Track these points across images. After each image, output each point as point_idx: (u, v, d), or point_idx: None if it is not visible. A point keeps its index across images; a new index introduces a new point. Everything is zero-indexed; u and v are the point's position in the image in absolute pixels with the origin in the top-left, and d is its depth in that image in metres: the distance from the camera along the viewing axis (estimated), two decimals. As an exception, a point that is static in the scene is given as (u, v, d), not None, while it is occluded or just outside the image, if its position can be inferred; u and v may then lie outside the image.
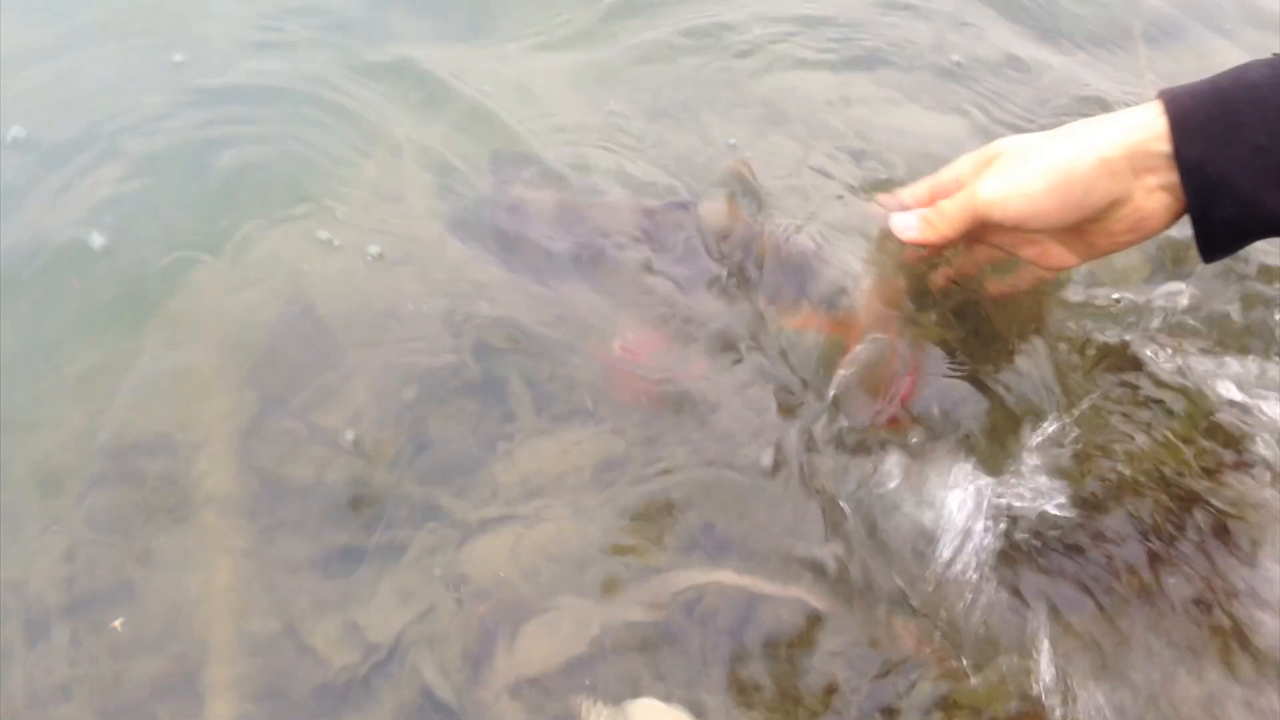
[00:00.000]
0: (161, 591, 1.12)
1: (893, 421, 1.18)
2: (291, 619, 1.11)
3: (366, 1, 1.83)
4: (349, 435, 1.22)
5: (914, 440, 1.16)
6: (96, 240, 1.38)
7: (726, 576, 1.11)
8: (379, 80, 1.66)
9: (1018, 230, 1.07)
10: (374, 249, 1.39)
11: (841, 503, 1.17)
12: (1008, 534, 1.13)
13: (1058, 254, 1.10)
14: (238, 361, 1.28)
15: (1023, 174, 1.02)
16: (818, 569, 1.14)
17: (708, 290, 1.25)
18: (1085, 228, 1.04)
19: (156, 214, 1.44)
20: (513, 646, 1.07)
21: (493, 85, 1.66)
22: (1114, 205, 1.00)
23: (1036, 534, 1.14)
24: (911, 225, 1.11)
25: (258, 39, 1.73)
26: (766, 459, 1.20)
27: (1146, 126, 0.97)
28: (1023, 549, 1.13)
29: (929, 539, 1.12)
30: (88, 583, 1.12)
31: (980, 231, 1.09)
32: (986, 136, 1.56)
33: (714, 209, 1.28)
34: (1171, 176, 0.97)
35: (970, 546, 1.11)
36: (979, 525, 1.12)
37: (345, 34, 1.75)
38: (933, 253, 1.17)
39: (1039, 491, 1.14)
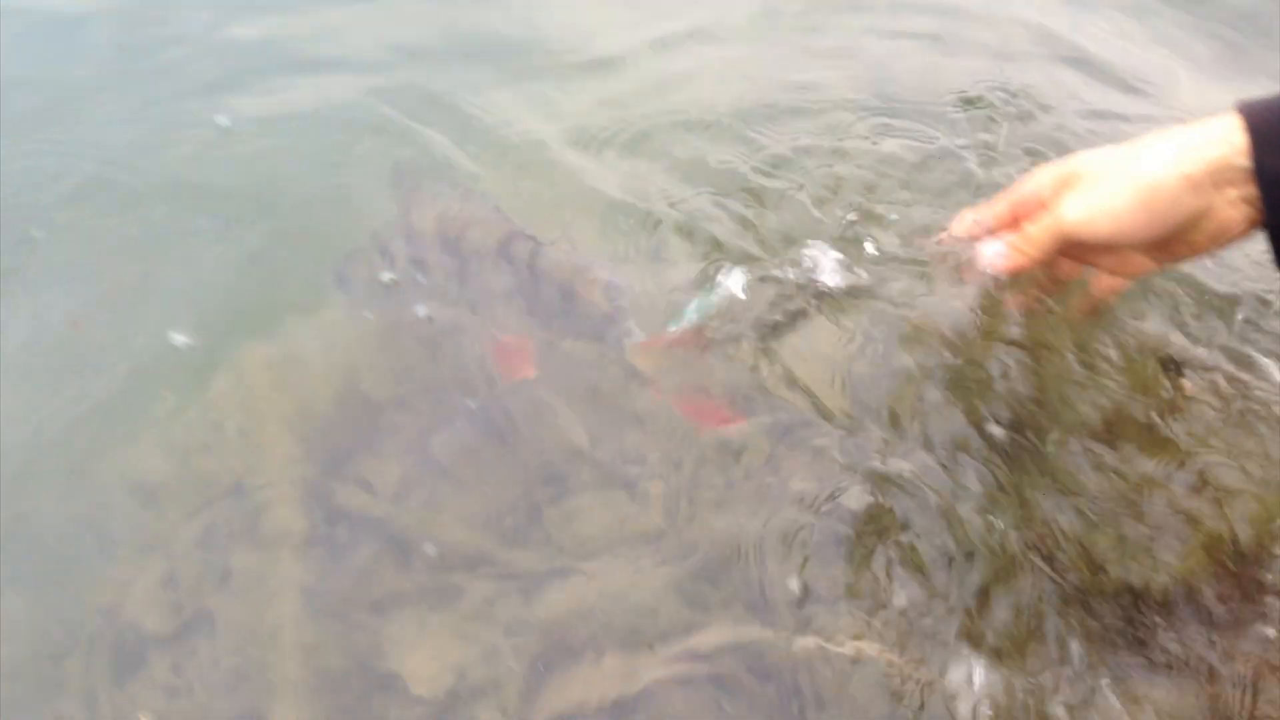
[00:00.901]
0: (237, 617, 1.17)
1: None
2: (359, 657, 1.14)
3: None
4: (398, 484, 1.26)
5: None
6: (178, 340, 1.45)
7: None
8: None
9: (1103, 245, 1.04)
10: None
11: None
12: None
13: (1137, 261, 1.07)
14: (297, 415, 1.34)
15: (1108, 193, 0.99)
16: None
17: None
18: (1167, 238, 1.01)
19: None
20: (564, 689, 1.07)
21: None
22: (1197, 218, 0.97)
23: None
24: (1001, 253, 1.09)
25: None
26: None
27: (1226, 141, 0.93)
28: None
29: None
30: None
31: (1063, 248, 1.07)
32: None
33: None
34: (1251, 189, 0.94)
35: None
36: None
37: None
38: (1014, 275, 1.13)
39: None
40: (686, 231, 1.54)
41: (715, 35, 2.10)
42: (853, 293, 1.27)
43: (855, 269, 1.27)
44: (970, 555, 1.15)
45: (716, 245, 1.51)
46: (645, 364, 1.33)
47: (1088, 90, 1.88)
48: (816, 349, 1.29)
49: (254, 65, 1.97)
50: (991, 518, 1.16)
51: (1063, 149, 1.63)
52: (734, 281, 1.33)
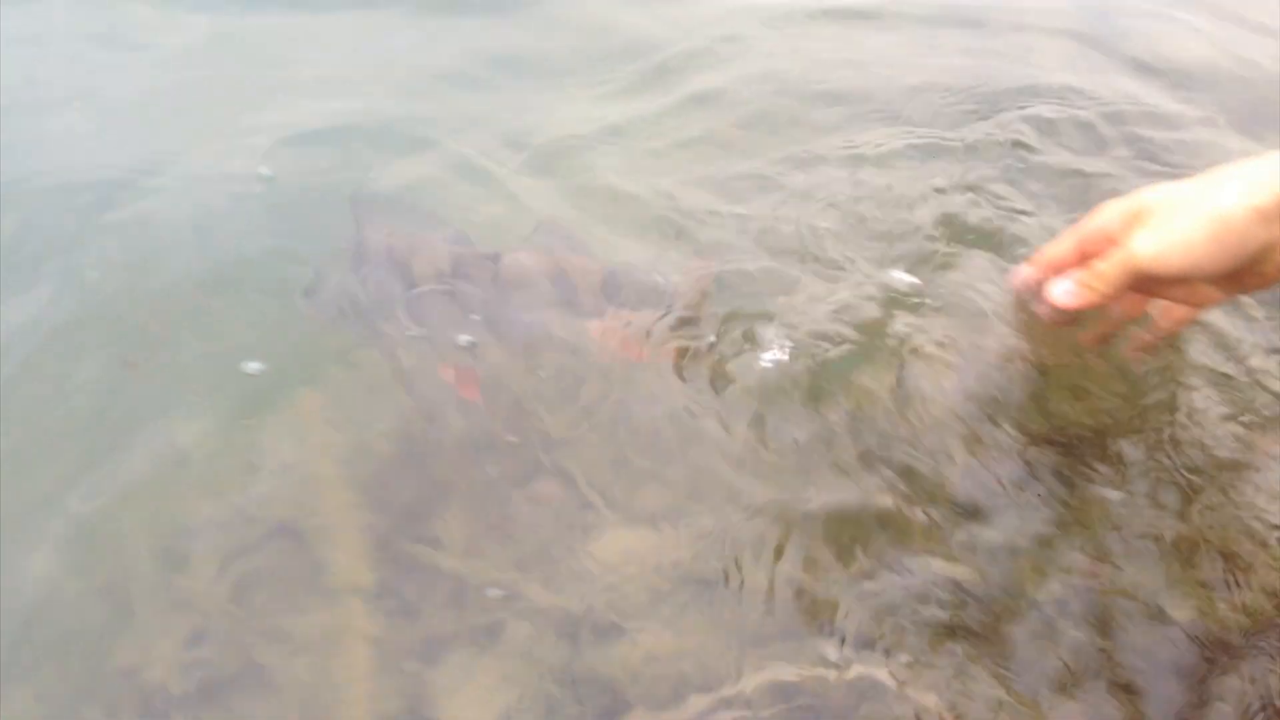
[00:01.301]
0: (296, 674, 1.09)
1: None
2: (418, 704, 1.08)
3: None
4: (453, 530, 1.22)
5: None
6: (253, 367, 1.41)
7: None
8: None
9: (1174, 279, 1.07)
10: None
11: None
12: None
13: (1206, 293, 1.10)
14: (355, 460, 1.30)
15: (1179, 229, 1.03)
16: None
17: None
18: (1238, 270, 1.04)
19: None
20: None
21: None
22: (1268, 249, 1.01)
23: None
24: (1071, 291, 1.10)
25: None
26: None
27: None
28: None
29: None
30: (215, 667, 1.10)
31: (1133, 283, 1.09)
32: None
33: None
34: None
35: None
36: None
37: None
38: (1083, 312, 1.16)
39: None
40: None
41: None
42: (918, 326, 1.29)
43: (922, 299, 1.28)
44: (1032, 604, 1.14)
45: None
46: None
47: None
48: (874, 383, 1.30)
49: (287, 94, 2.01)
50: (1054, 567, 1.16)
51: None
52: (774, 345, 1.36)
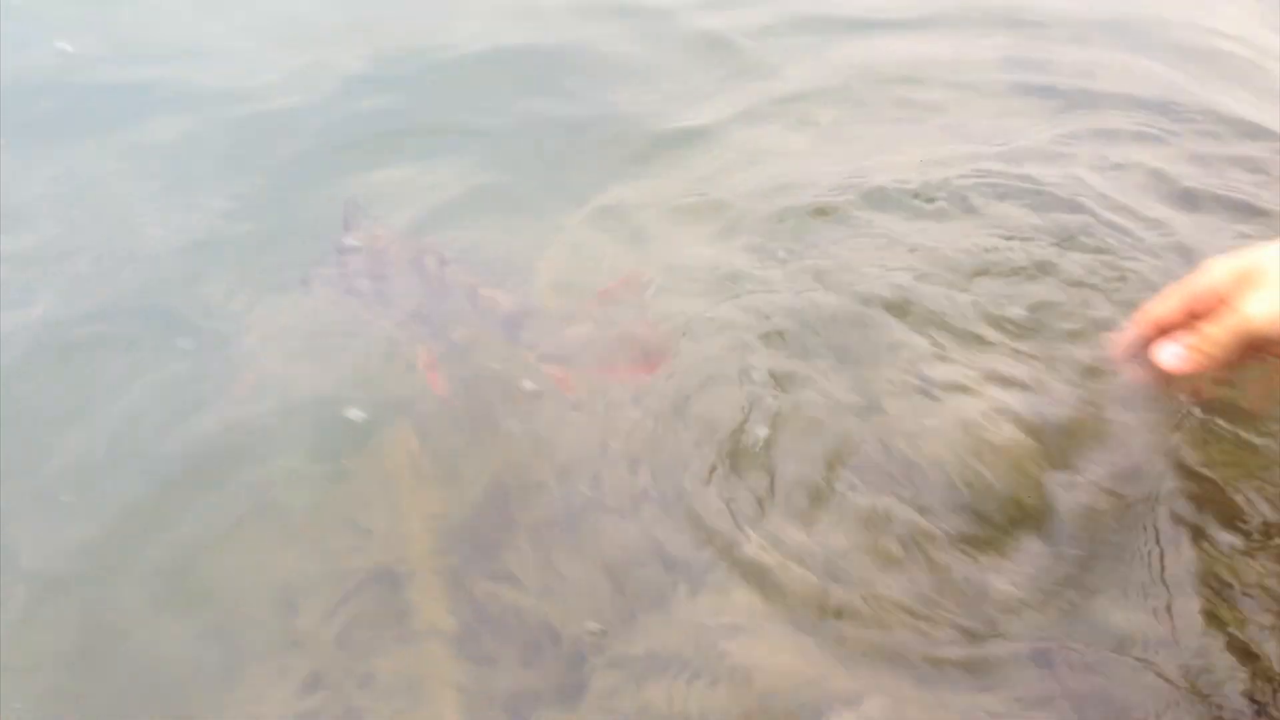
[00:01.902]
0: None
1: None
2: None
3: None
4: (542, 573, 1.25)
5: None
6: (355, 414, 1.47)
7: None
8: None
9: None
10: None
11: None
12: None
13: None
14: (440, 504, 1.34)
15: None
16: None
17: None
18: None
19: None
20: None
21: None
22: None
23: None
24: (1181, 356, 1.07)
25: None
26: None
27: None
28: None
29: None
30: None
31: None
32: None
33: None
34: None
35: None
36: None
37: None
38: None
39: None
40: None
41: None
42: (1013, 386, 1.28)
43: (1019, 363, 1.28)
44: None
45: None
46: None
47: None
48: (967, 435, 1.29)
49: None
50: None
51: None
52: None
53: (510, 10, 2.69)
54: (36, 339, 1.62)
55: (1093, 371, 1.31)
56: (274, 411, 1.48)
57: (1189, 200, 1.80)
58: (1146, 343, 1.11)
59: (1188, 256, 1.61)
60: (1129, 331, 1.14)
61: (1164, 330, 1.10)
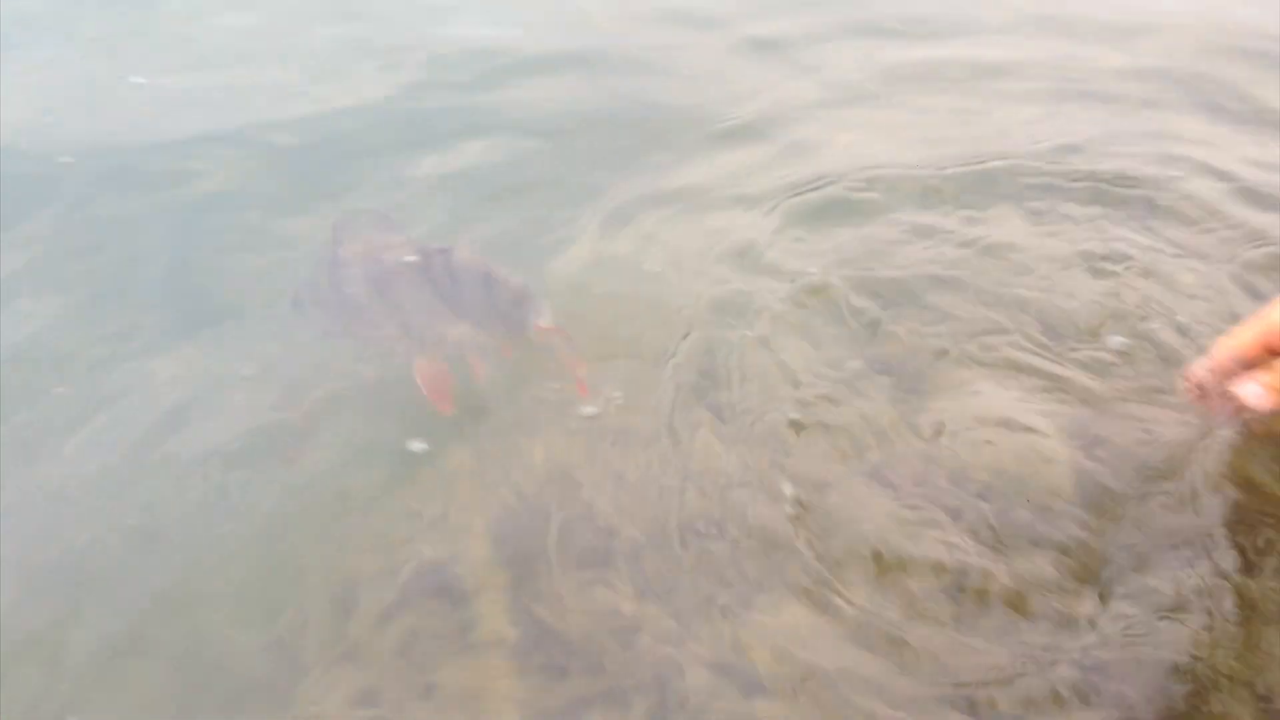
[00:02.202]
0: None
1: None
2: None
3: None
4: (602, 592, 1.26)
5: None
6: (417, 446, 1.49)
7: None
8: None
9: None
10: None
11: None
12: None
13: None
14: (500, 520, 1.35)
15: None
16: None
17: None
18: None
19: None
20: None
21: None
22: None
23: None
24: (1261, 395, 1.07)
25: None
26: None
27: None
28: None
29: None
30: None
31: None
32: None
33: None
34: None
35: None
36: None
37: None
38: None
39: None
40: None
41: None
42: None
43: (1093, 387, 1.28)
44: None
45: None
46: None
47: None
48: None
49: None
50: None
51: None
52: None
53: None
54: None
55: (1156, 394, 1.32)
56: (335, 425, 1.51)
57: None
58: (1223, 377, 1.10)
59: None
60: (1204, 366, 1.13)
61: (1240, 365, 1.09)
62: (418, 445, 1.45)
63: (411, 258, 1.58)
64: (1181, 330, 1.51)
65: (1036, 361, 1.48)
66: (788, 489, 1.34)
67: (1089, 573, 1.20)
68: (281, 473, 1.44)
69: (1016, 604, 1.18)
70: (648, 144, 2.16)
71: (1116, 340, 1.50)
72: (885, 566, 1.24)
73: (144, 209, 2.03)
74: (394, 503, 1.39)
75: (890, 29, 2.64)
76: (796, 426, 1.44)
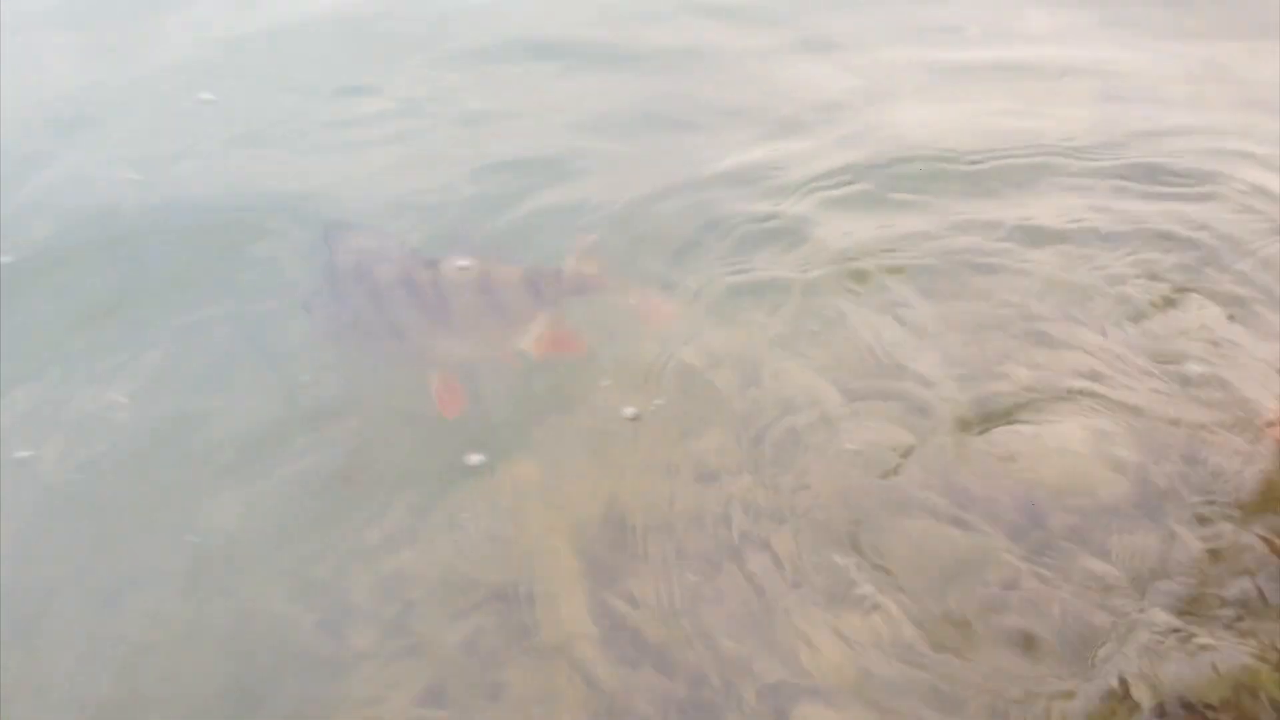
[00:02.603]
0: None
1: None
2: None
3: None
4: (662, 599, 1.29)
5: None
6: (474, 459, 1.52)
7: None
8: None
9: None
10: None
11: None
12: None
13: None
14: (566, 529, 1.39)
15: None
16: None
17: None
18: None
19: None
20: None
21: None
22: None
23: None
24: None
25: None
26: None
27: None
28: None
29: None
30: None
31: None
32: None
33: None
34: None
35: None
36: None
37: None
38: None
39: None
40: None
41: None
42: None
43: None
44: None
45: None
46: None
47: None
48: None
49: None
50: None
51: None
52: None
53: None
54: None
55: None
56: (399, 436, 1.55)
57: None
58: None
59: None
60: None
61: None
62: (475, 458, 1.48)
63: (401, 271, 1.64)
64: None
65: (1111, 385, 1.51)
66: (845, 500, 1.38)
67: (1141, 584, 1.23)
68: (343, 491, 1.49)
69: (1071, 622, 1.22)
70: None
71: (1193, 368, 1.53)
72: (945, 577, 1.27)
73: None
74: (452, 512, 1.43)
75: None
76: (843, 428, 1.48)
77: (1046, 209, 1.89)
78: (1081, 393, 1.49)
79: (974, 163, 2.03)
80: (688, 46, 2.60)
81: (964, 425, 1.46)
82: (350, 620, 1.30)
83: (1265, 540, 1.25)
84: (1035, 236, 1.81)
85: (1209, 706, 1.11)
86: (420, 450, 1.52)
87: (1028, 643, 1.20)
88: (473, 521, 1.40)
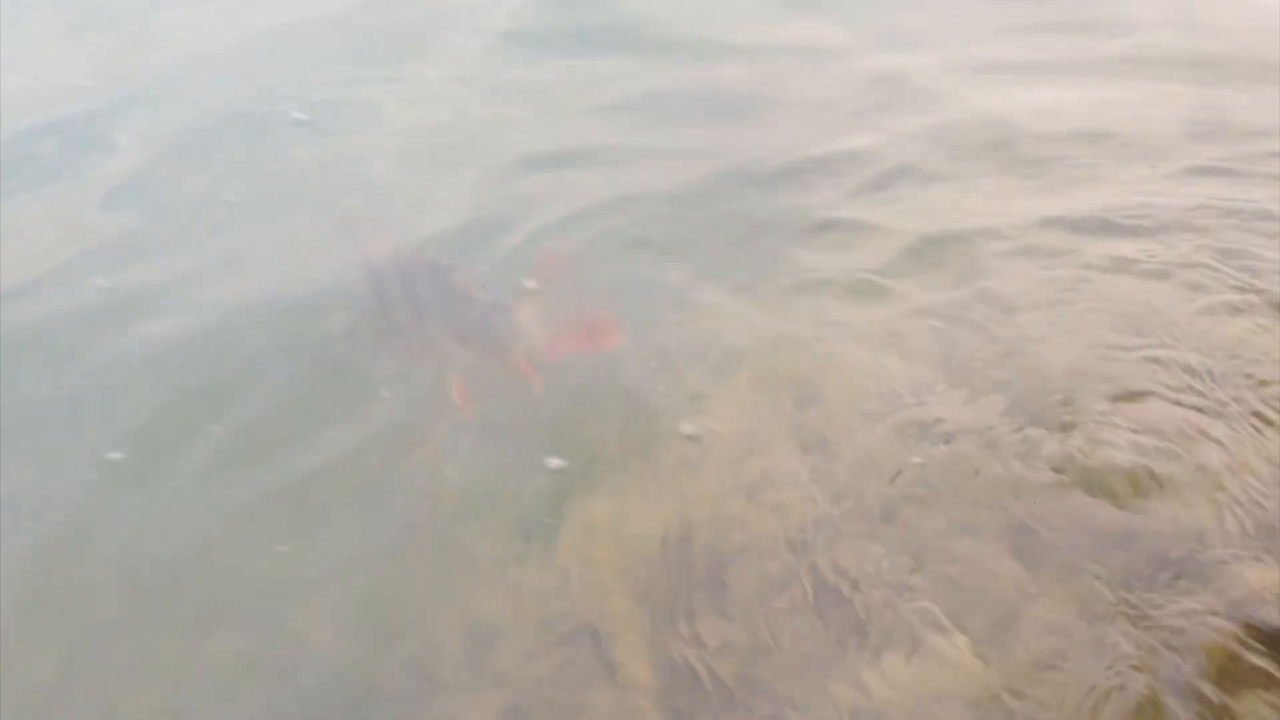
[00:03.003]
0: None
1: None
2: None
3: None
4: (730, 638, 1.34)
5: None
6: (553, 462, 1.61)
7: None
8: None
9: None
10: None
11: None
12: None
13: None
14: (636, 567, 1.45)
15: None
16: None
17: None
18: None
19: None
20: None
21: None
22: None
23: None
24: None
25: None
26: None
27: None
28: None
29: None
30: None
31: None
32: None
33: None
34: None
35: None
36: None
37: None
38: None
39: None
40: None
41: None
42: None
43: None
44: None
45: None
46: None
47: None
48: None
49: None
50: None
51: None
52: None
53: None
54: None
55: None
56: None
57: None
58: None
59: None
60: None
61: None
62: (555, 461, 1.58)
63: (435, 268, 1.74)
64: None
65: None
66: (913, 540, 1.42)
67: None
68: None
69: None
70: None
71: None
72: (1008, 617, 1.32)
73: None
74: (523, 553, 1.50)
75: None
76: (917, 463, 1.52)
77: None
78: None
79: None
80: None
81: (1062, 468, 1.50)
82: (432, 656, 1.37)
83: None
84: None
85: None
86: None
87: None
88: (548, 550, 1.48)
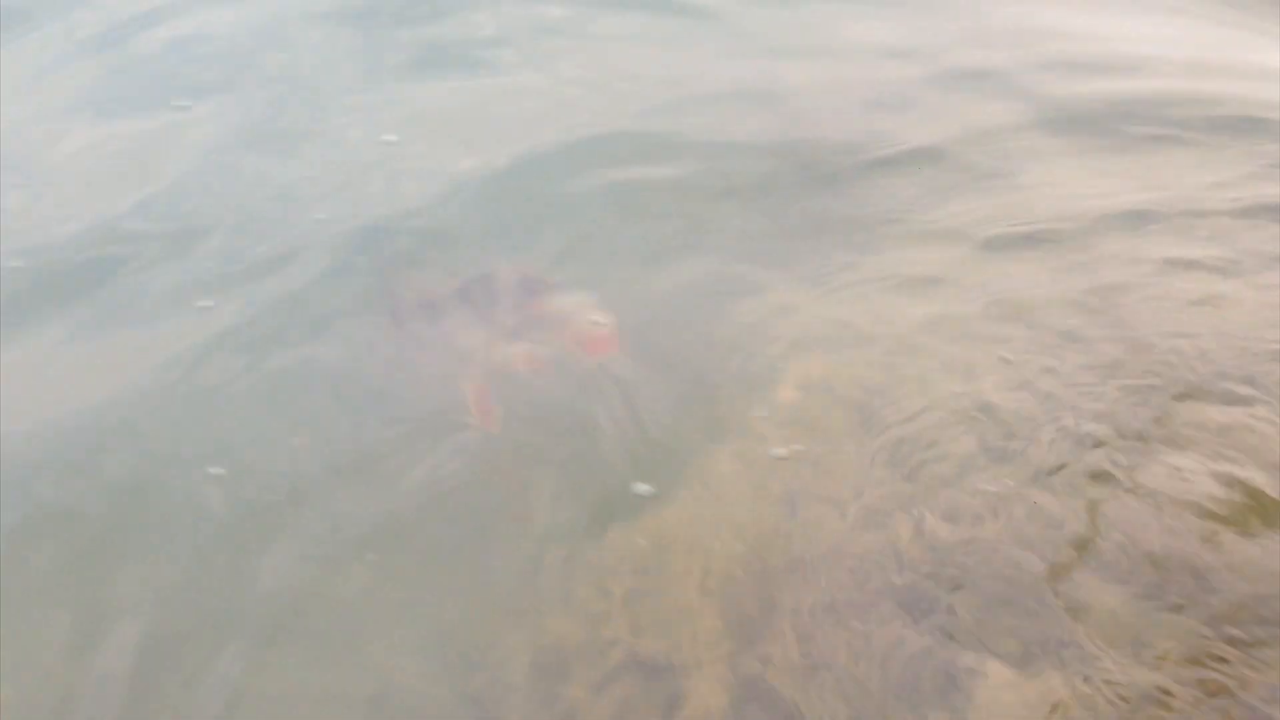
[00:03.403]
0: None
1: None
2: None
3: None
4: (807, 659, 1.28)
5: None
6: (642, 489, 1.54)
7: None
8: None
9: None
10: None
11: None
12: None
13: None
14: (713, 589, 1.38)
15: None
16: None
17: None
18: None
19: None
20: None
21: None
22: None
23: None
24: None
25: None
26: None
27: None
28: None
29: None
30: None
31: None
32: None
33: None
34: None
35: None
36: None
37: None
38: None
39: None
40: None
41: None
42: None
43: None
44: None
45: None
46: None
47: None
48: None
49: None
50: None
51: None
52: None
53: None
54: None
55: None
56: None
57: None
58: None
59: None
60: None
61: None
62: (643, 487, 1.51)
63: (453, 288, 1.75)
64: None
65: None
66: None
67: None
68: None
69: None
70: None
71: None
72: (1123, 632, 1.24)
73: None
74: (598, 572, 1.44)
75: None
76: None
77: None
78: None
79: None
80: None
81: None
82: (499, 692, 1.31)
83: None
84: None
85: None
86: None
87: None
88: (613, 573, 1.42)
